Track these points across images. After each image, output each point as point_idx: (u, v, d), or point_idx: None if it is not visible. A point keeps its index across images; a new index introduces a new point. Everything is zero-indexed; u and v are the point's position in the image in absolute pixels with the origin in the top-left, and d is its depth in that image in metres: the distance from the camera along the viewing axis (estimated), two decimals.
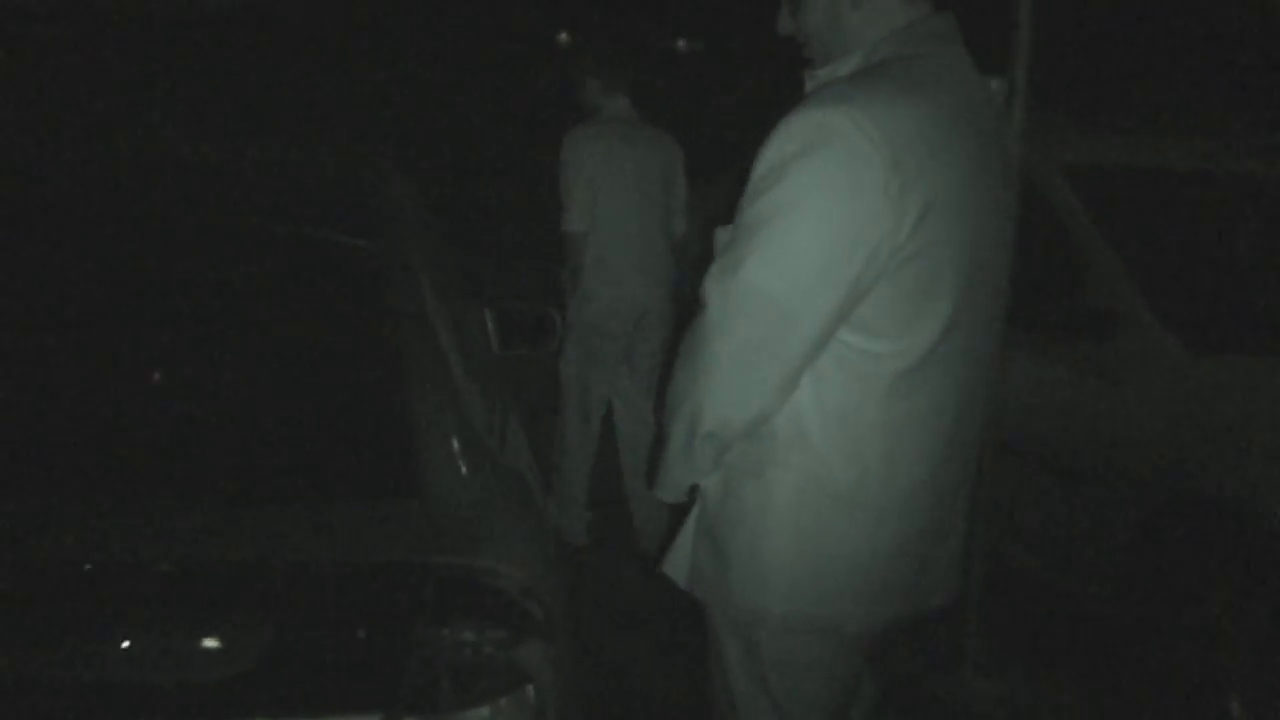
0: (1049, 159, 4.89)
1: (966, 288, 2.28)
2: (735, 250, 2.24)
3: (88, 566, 2.03)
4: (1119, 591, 4.32)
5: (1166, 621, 4.16)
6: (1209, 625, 4.04)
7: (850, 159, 2.16)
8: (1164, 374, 4.29)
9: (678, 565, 2.50)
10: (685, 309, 2.38)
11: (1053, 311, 4.62)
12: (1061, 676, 4.46)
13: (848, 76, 2.32)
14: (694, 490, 2.44)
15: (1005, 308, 2.54)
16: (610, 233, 5.32)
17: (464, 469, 2.36)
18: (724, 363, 2.25)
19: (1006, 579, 4.70)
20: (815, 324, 2.21)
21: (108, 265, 2.62)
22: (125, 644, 1.92)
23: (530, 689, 2.05)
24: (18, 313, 2.54)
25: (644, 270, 5.41)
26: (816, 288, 2.19)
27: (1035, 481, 4.63)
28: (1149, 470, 4.20)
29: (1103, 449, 4.38)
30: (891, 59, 2.31)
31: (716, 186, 6.15)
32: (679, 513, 2.51)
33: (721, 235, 2.31)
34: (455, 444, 2.39)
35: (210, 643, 1.94)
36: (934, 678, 4.34)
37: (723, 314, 2.24)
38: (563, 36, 18.21)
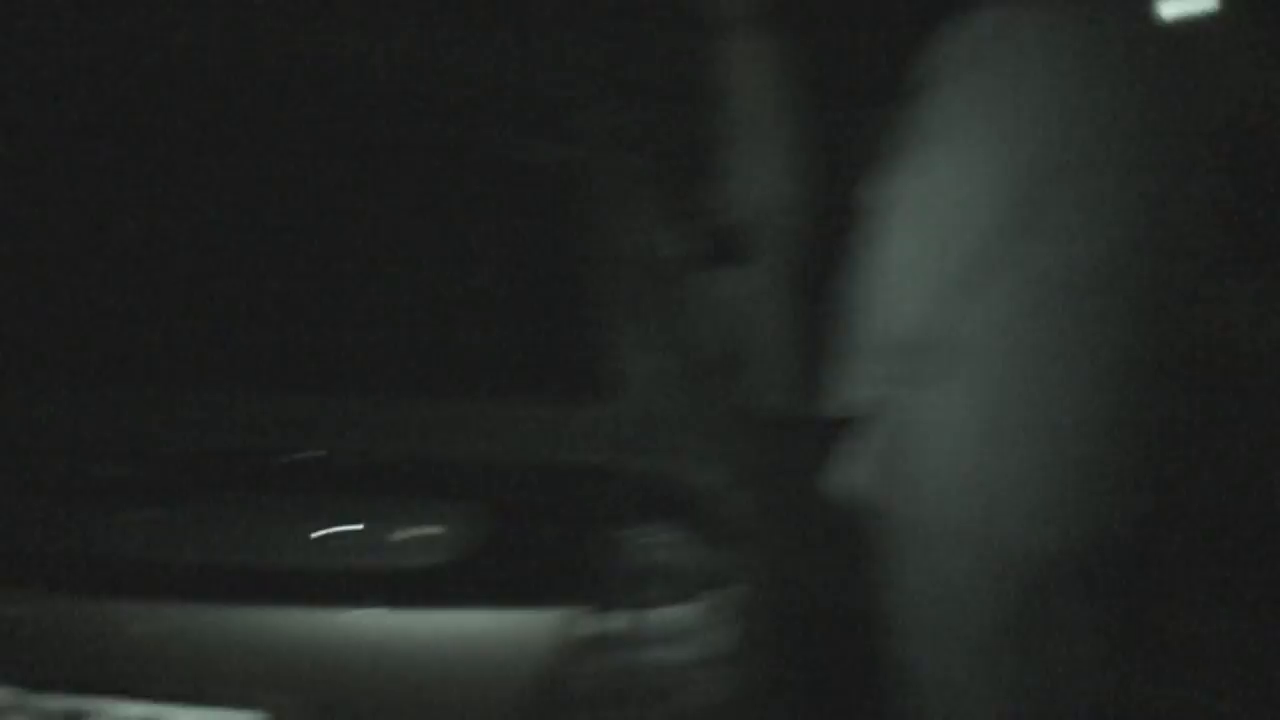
0: None
1: (1139, 208, 2.23)
2: (899, 160, 2.22)
3: (308, 455, 2.12)
4: None
5: None
6: None
7: (1016, 65, 2.15)
8: None
9: (847, 479, 2.51)
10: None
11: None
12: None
13: None
14: (863, 406, 2.44)
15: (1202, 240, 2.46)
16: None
17: (663, 371, 2.39)
18: (890, 272, 2.24)
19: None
20: (982, 233, 2.19)
21: (319, 158, 2.69)
22: (335, 530, 2.02)
23: (725, 592, 2.10)
24: (224, 208, 2.62)
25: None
26: (983, 195, 2.17)
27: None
28: None
29: None
30: None
31: None
32: (853, 428, 2.51)
33: (890, 144, 2.30)
34: (654, 346, 2.42)
35: (420, 531, 2.02)
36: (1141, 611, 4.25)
37: (887, 223, 2.23)
38: None
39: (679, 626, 2.06)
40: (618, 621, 2.01)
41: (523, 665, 1.98)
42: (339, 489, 2.07)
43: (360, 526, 2.03)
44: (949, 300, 2.27)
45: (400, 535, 2.02)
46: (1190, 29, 2.57)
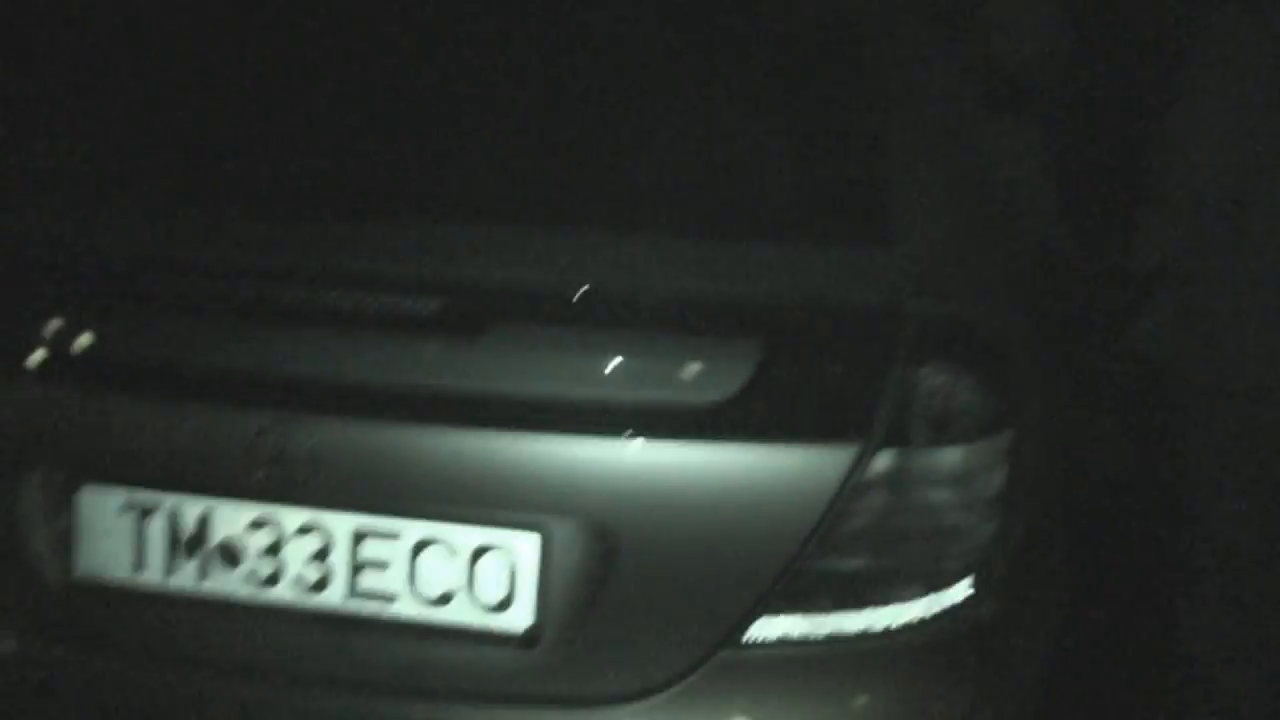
0: None
1: None
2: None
3: (602, 289, 2.14)
4: None
5: None
6: None
7: None
8: None
9: (1148, 336, 2.43)
10: None
11: None
12: None
13: None
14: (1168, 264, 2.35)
15: None
16: None
17: (946, 214, 2.34)
18: (1203, 139, 2.14)
19: None
20: None
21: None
22: (615, 362, 2.05)
23: (1006, 434, 2.06)
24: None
25: None
26: None
27: None
28: None
29: None
30: None
31: None
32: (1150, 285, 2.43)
33: None
34: (938, 189, 2.37)
35: (700, 366, 2.03)
36: None
37: (1201, 90, 2.12)
38: None
39: (956, 468, 2.04)
40: (897, 460, 2.01)
41: (801, 500, 2.00)
42: (637, 324, 2.10)
43: (651, 360, 2.05)
44: (1257, 168, 2.17)
45: (689, 369, 2.03)
46: None
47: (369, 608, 2.09)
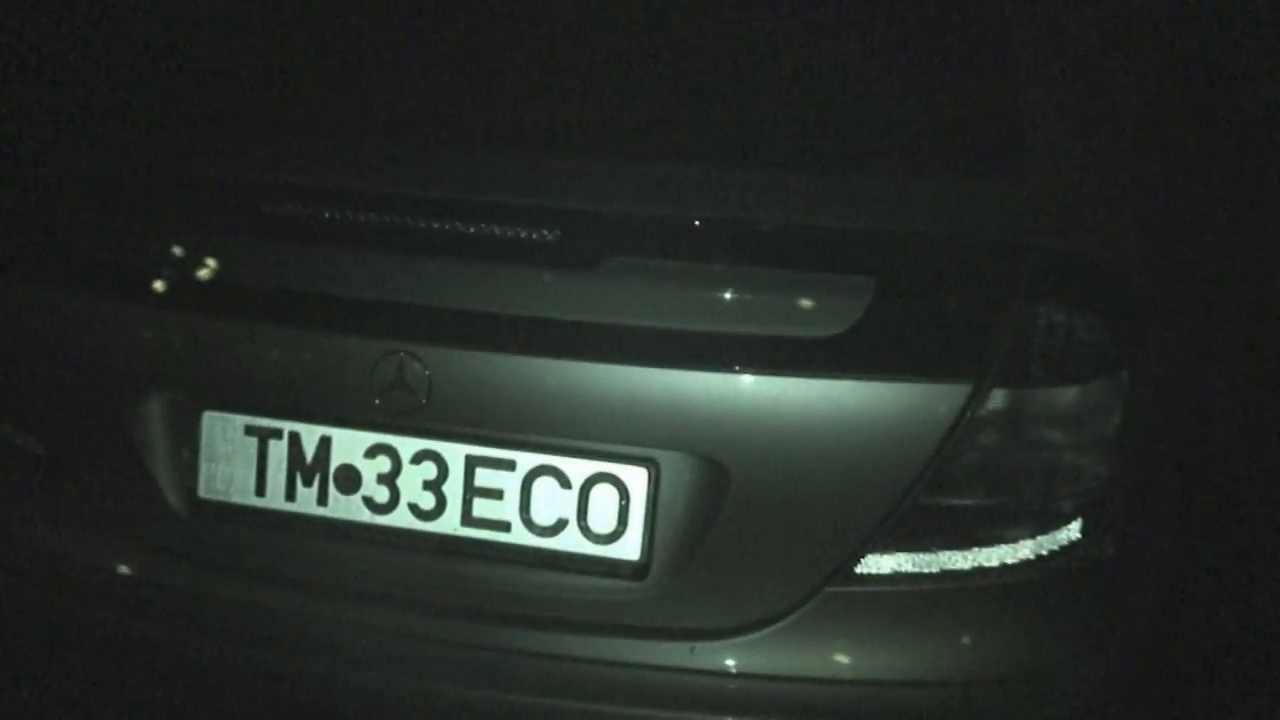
0: None
1: None
2: None
3: (715, 222, 2.14)
4: None
5: None
6: None
7: None
8: None
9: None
10: None
11: None
12: None
13: None
14: None
15: None
16: None
17: (1074, 154, 2.31)
18: None
19: None
20: None
21: None
22: (728, 295, 2.05)
23: (1124, 375, 2.04)
24: None
25: None
26: None
27: None
28: None
29: None
30: None
31: None
32: None
33: None
34: (1064, 125, 2.33)
35: (814, 300, 2.03)
36: None
37: None
38: None
39: (1072, 407, 2.03)
40: (1011, 398, 2.00)
41: (914, 437, 2.00)
42: (750, 257, 2.09)
43: (764, 293, 2.05)
44: None
45: (802, 303, 2.03)
46: None
47: (482, 535, 2.12)
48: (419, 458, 2.13)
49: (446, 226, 2.15)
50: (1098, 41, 3.21)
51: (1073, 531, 2.06)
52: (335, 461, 2.16)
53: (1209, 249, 2.91)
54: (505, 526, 2.12)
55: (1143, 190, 2.61)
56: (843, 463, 2.02)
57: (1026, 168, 2.23)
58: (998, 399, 1.98)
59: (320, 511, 2.17)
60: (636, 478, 2.07)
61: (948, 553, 2.04)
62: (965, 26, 2.49)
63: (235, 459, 2.20)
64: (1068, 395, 2.02)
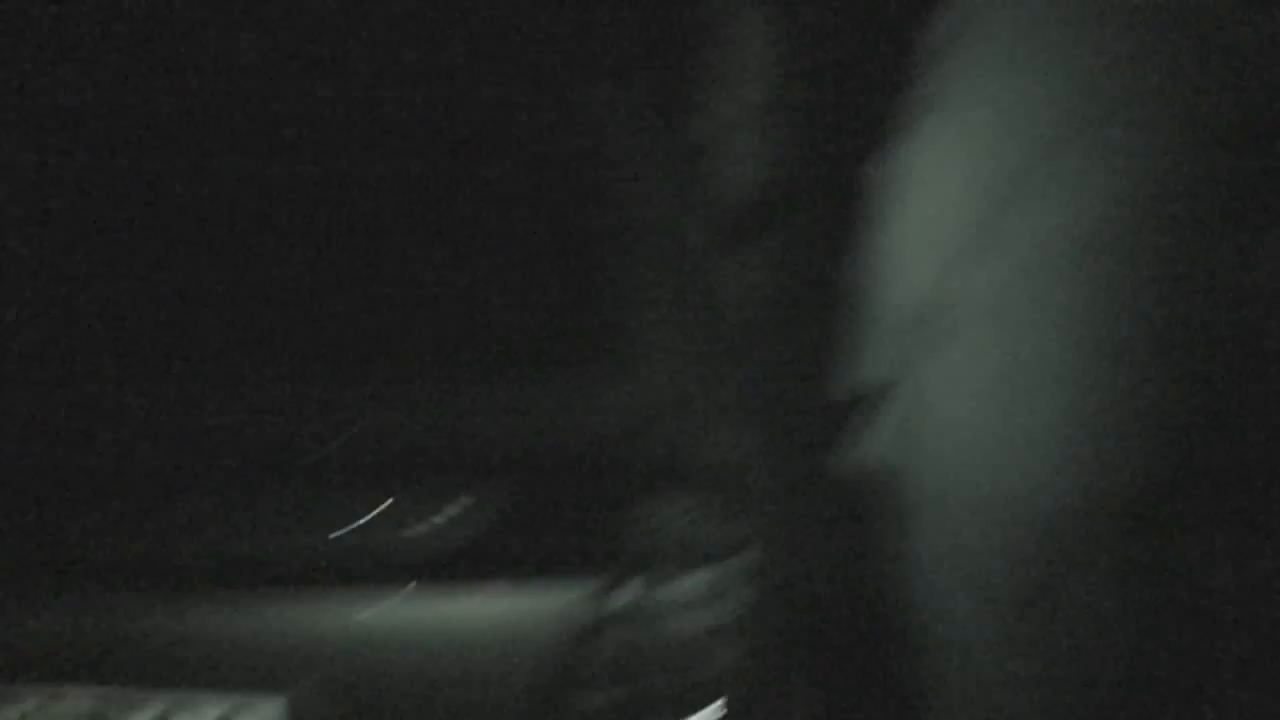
0: None
1: (1133, 168, 2.25)
2: (903, 132, 2.25)
3: (326, 437, 2.15)
4: None
5: None
6: None
7: (1020, 31, 2.18)
8: None
9: (867, 452, 2.53)
10: None
11: None
12: None
13: None
14: (883, 377, 2.46)
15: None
16: None
17: (689, 344, 2.41)
18: (900, 241, 2.27)
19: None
20: (984, 202, 2.21)
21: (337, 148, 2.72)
22: (359, 511, 2.05)
23: (744, 558, 2.12)
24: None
25: None
26: (983, 167, 2.20)
27: None
28: None
29: None
30: None
31: None
32: (869, 399, 2.54)
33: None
34: (678, 318, 2.44)
35: (436, 509, 2.05)
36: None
37: (899, 195, 2.25)
38: None
39: (693, 596, 2.08)
40: (633, 594, 2.04)
41: (541, 641, 2.01)
42: (355, 471, 2.10)
43: (377, 509, 2.06)
44: (957, 266, 2.29)
45: (417, 516, 2.04)
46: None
47: None
48: (41, 706, 2.02)
49: (38, 462, 2.10)
50: (698, 243, 3.38)
51: (711, 715, 2.10)
52: None
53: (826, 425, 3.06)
54: None
55: (755, 375, 2.75)
56: (478, 671, 2.01)
57: (640, 363, 2.31)
58: (624, 593, 2.03)
59: None
60: (271, 711, 2.01)
61: None
62: (572, 233, 2.60)
63: None
64: (692, 584, 2.08)
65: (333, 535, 2.04)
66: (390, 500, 2.06)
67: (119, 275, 2.52)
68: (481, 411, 2.21)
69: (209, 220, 2.61)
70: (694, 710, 2.09)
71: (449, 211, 2.65)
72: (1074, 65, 2.19)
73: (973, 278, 2.31)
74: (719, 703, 2.11)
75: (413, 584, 2.01)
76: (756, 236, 3.98)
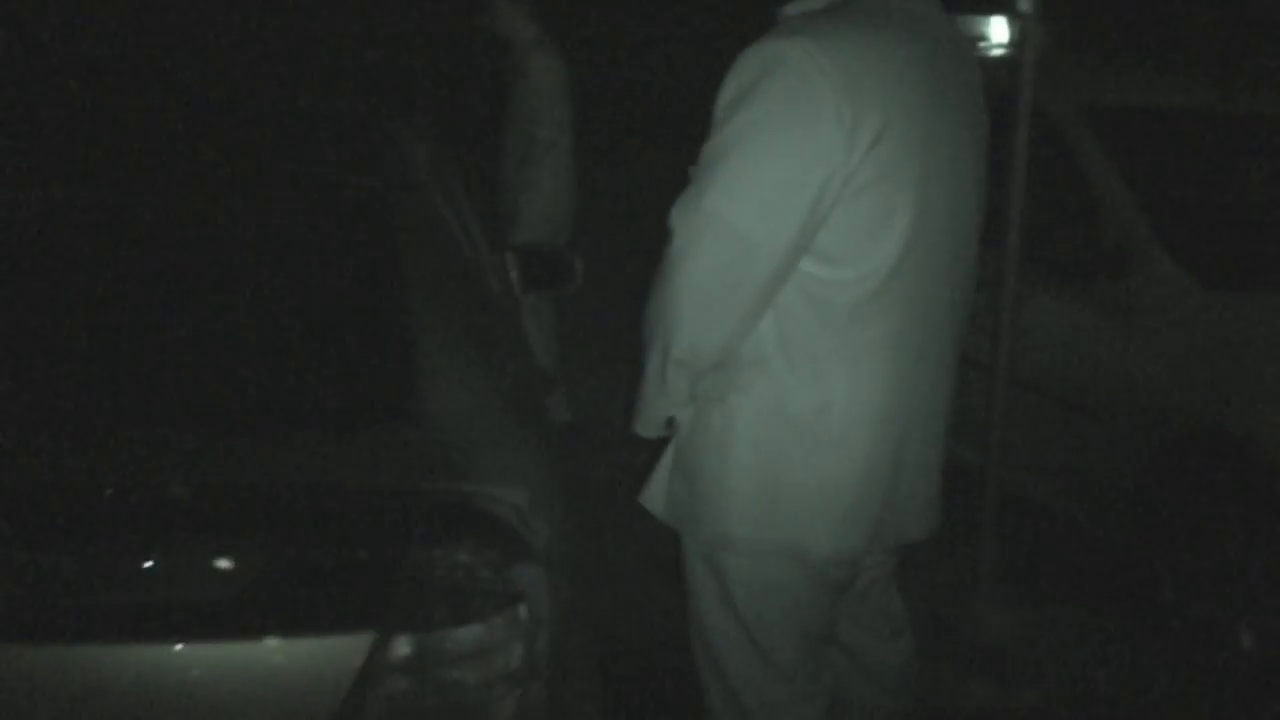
0: (1066, 98, 4.91)
1: (923, 217, 2.35)
2: (698, 182, 2.32)
3: (103, 491, 2.13)
4: (1132, 524, 4.38)
5: (1178, 553, 4.22)
6: (1220, 557, 4.09)
7: (802, 88, 2.24)
8: (1178, 311, 4.32)
9: (655, 497, 2.57)
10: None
11: (1069, 250, 4.67)
12: (1074, 606, 4.52)
13: (810, 14, 2.39)
14: (671, 424, 2.51)
15: (977, 241, 2.59)
16: (563, 153, 5.67)
17: (467, 396, 2.44)
18: (691, 290, 2.32)
19: (1020, 510, 4.76)
20: (776, 250, 2.28)
21: (120, 198, 2.71)
22: (139, 563, 2.03)
23: (522, 609, 2.15)
24: (25, 238, 2.63)
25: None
26: (775, 214, 2.27)
27: (1051, 415, 4.69)
28: (1163, 405, 4.25)
29: (1118, 384, 4.43)
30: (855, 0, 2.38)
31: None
32: (658, 447, 2.58)
33: (692, 173, 2.39)
34: (460, 373, 2.47)
35: (210, 562, 2.04)
36: (947, 606, 4.41)
37: (687, 243, 2.31)
38: None
39: (474, 646, 2.11)
40: (414, 644, 2.06)
41: (319, 692, 2.02)
42: (130, 523, 2.09)
43: (153, 560, 2.04)
44: (747, 316, 2.35)
45: (195, 567, 2.03)
46: (977, 53, 2.69)
47: None
48: None
49: None
50: (486, 288, 3.42)
51: None
52: None
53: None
54: None
55: (539, 426, 2.79)
56: None
57: (421, 414, 2.33)
58: (401, 645, 2.04)
59: None
60: None
61: None
62: (356, 279, 2.62)
63: None
64: (469, 634, 2.10)
65: (109, 588, 2.02)
66: (170, 551, 2.05)
67: None
68: (255, 462, 2.20)
69: None
70: None
71: (243, 257, 2.66)
72: (853, 123, 2.27)
73: (764, 325, 2.38)
74: None
75: (188, 637, 1.99)
76: (550, 281, 4.02)
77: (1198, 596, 4.18)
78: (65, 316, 2.50)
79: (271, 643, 2.01)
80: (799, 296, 2.35)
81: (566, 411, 5.83)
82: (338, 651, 2.02)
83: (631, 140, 10.31)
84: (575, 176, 5.81)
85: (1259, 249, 4.63)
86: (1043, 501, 4.85)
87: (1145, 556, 4.34)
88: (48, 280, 2.57)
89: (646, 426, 2.52)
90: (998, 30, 4.98)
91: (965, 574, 4.40)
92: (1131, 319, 4.43)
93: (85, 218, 2.67)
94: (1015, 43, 4.18)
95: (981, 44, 5.02)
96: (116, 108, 3.20)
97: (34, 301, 2.53)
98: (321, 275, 2.65)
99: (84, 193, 2.71)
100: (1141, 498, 4.32)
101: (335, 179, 2.86)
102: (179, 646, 1.99)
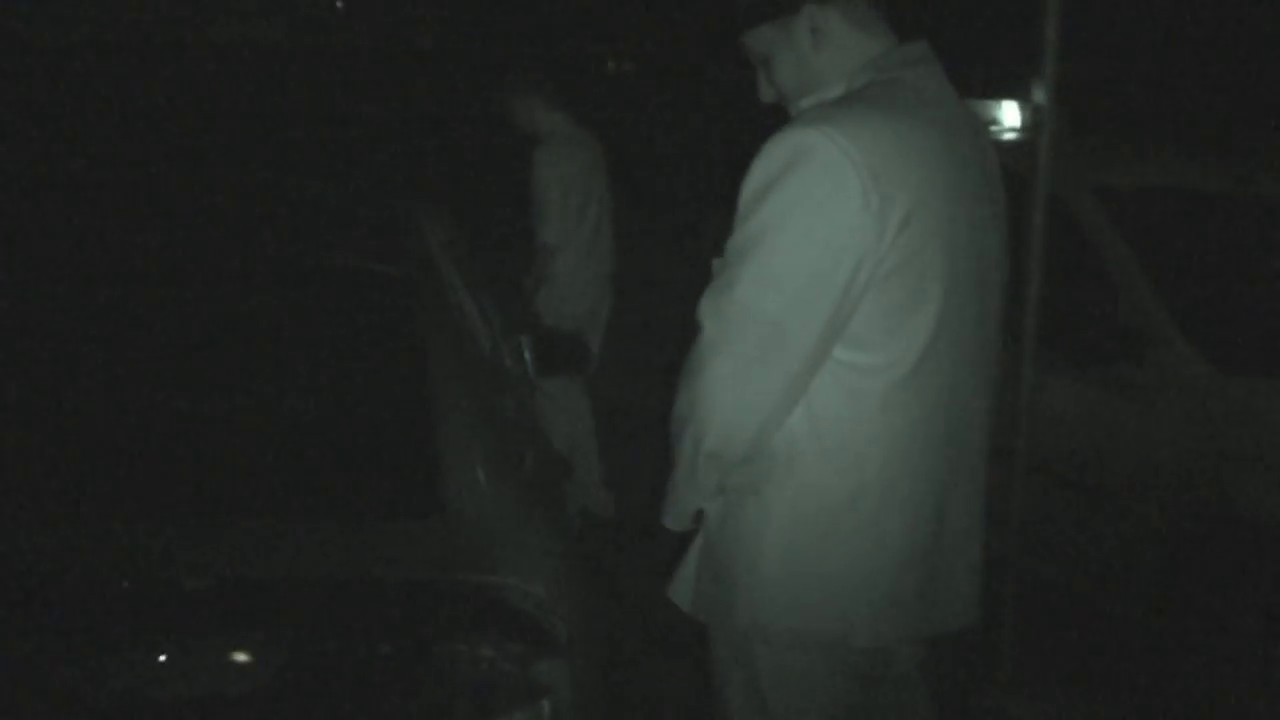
0: (1079, 180, 4.92)
1: (951, 299, 2.34)
2: (727, 273, 2.31)
3: (121, 582, 2.10)
4: (1150, 609, 4.34)
5: (1197, 639, 4.18)
6: (1239, 643, 4.05)
7: (828, 175, 2.24)
8: (1193, 393, 4.30)
9: (682, 590, 2.55)
10: None
11: (1083, 332, 4.66)
12: (1094, 694, 4.47)
13: (828, 102, 2.40)
14: (699, 518, 2.49)
15: (1002, 322, 2.58)
16: (581, 241, 5.63)
17: (489, 487, 2.43)
18: (722, 383, 2.31)
19: (1039, 597, 4.72)
20: (808, 339, 2.27)
21: (143, 285, 2.72)
22: (156, 657, 2.00)
23: (546, 703, 2.12)
24: (48, 325, 2.63)
25: (601, 266, 5.79)
26: (806, 302, 2.26)
27: (1067, 500, 4.66)
28: (1179, 489, 4.22)
29: (1133, 467, 4.40)
30: (873, 83, 2.39)
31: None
32: (685, 539, 2.56)
33: (717, 265, 2.38)
34: (481, 463, 2.46)
35: (234, 657, 2.01)
36: (967, 696, 4.36)
37: (718, 334, 2.31)
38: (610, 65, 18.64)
39: None
40: None
41: None
42: (146, 616, 2.06)
43: (166, 655, 2.02)
44: (780, 406, 2.33)
45: (213, 661, 2.01)
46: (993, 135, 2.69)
47: None
48: None
49: None
50: (508, 376, 3.41)
51: None
52: None
53: None
54: None
55: (564, 518, 2.77)
56: None
57: (448, 506, 2.31)
58: None
59: None
60: None
61: None
62: (377, 370, 2.62)
63: None
64: None
65: (121, 677, 1.99)
66: (180, 647, 2.02)
67: None
68: (275, 554, 2.19)
69: None
70: None
71: (267, 357, 2.66)
72: (877, 211, 2.27)
73: (792, 416, 2.37)
74: None
75: None
76: (571, 366, 4.02)
77: (1218, 682, 4.13)
78: (99, 406, 2.49)
79: None
80: (831, 384, 2.34)
81: (610, 505, 5.81)
82: None
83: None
84: (607, 258, 5.83)
85: (1274, 331, 4.62)
86: (1061, 587, 4.81)
87: (1163, 642, 4.30)
88: (83, 370, 2.57)
89: (675, 519, 2.50)
90: (1009, 114, 5.00)
91: (984, 662, 4.36)
92: (1146, 401, 4.41)
93: (118, 309, 2.67)
94: (1027, 127, 4.21)
95: (994, 128, 5.05)
96: (144, 196, 3.21)
97: (70, 392, 2.52)
98: (343, 364, 2.64)
99: (116, 283, 2.72)
100: (1159, 582, 4.28)
101: (356, 266, 2.86)
102: None
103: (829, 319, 2.27)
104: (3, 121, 12.73)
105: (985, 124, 4.78)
